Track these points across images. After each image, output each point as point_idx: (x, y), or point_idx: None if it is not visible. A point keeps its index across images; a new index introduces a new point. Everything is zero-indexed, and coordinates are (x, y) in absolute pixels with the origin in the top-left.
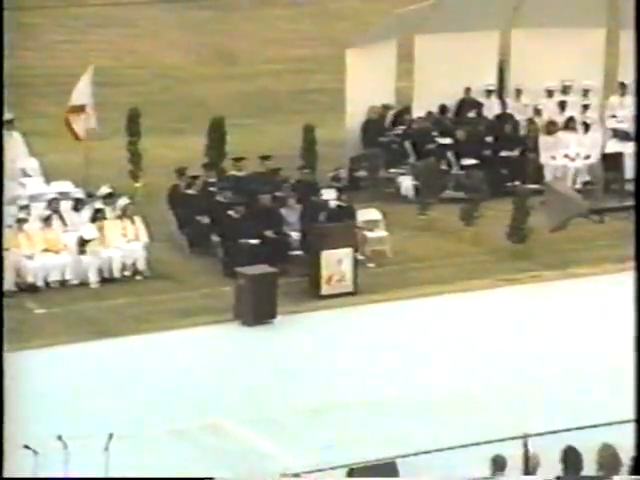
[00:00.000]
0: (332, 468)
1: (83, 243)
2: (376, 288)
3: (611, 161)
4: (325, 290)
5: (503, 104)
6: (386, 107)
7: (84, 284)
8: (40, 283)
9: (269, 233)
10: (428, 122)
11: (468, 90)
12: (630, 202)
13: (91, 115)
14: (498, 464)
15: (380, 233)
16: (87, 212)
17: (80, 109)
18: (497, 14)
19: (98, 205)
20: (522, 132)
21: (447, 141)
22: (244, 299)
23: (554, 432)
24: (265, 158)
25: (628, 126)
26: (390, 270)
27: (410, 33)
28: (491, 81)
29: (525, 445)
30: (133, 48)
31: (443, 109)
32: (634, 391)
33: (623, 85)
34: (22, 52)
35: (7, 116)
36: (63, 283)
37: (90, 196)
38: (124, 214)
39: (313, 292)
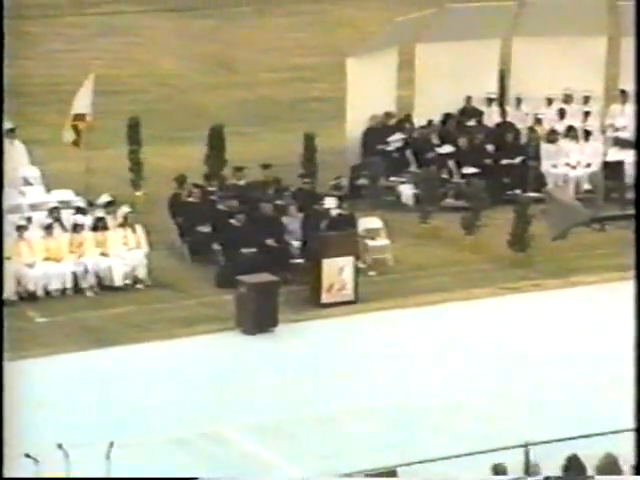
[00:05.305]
0: (333, 476)
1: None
2: (377, 296)
3: (612, 169)
4: (326, 298)
5: (503, 112)
6: (388, 115)
7: (85, 292)
8: (41, 292)
9: (270, 241)
10: (429, 130)
11: (469, 99)
12: (631, 211)
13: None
14: (499, 472)
15: (381, 241)
16: (88, 220)
17: (81, 117)
18: (498, 22)
19: (99, 214)
20: (523, 140)
21: (448, 150)
22: (245, 307)
23: (555, 441)
24: (265, 167)
25: (629, 134)
26: (391, 279)
27: (411, 42)
28: (492, 89)
29: (526, 454)
30: (133, 57)
31: (447, 117)
32: (634, 400)
33: (624, 93)
34: (23, 61)
35: (8, 125)
36: (64, 292)
37: (91, 205)
38: (125, 223)
39: (314, 300)
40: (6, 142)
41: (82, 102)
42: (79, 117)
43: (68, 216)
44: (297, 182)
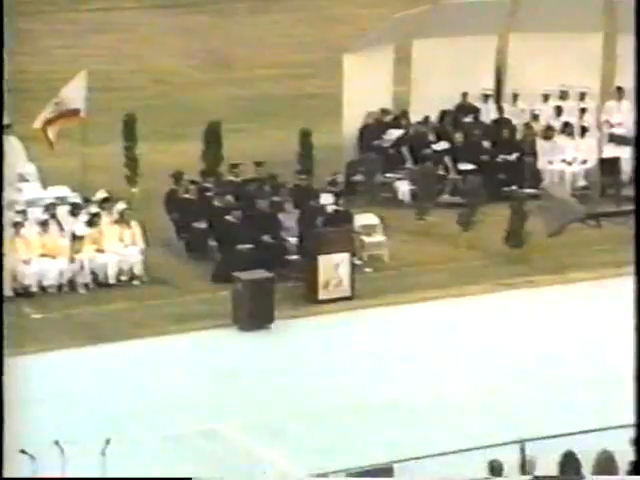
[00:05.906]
0: (330, 473)
1: (75, 238)
2: (373, 293)
3: (608, 166)
4: (322, 295)
5: (500, 109)
6: (384, 112)
7: (80, 289)
8: (36, 288)
9: (266, 238)
10: (425, 127)
11: (465, 95)
12: (627, 207)
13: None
14: (495, 469)
15: (377, 238)
16: (84, 217)
17: (73, 113)
18: (494, 19)
19: (95, 210)
20: (519, 137)
21: (444, 146)
22: (242, 304)
23: (551, 437)
24: (258, 164)
25: (625, 131)
26: (387, 275)
27: (407, 38)
28: (488, 86)
29: (522, 450)
30: (130, 53)
31: (443, 114)
32: (634, 395)
33: (620, 90)
34: (20, 57)
35: (5, 121)
36: (60, 288)
37: (87, 201)
38: (121, 219)
39: (310, 297)
40: (3, 138)
41: (73, 98)
42: (52, 121)
43: (64, 212)
44: (293, 178)
